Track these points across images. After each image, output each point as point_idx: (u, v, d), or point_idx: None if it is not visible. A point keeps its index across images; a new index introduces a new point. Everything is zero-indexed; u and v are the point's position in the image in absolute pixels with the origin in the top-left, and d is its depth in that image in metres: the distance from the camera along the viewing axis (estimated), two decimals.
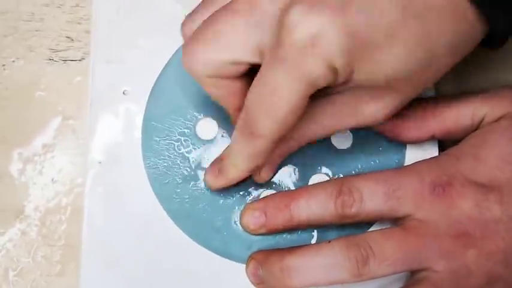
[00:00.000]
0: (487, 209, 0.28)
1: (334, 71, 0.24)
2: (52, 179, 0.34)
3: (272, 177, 0.32)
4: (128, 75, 0.33)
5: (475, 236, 0.28)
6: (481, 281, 0.28)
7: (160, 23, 0.33)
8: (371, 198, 0.29)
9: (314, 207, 0.29)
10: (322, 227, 0.31)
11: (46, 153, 0.34)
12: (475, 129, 0.30)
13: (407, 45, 0.25)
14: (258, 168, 0.30)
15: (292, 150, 0.31)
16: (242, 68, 0.27)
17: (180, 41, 0.32)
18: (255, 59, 0.26)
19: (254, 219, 0.31)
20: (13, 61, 0.34)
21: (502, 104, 0.30)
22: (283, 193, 0.31)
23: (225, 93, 0.28)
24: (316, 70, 0.24)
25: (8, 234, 0.33)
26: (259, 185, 0.32)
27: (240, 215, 0.31)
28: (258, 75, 0.26)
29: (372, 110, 0.28)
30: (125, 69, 0.33)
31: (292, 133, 0.29)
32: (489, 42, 0.27)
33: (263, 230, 0.31)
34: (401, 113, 0.30)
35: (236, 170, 0.29)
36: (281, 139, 0.27)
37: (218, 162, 0.31)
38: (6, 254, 0.33)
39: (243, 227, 0.31)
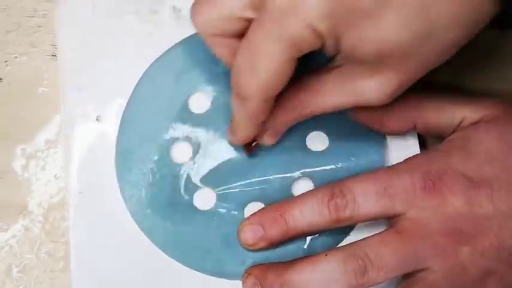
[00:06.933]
0: (479, 205, 0.28)
1: (318, 34, 0.25)
2: (55, 175, 0.33)
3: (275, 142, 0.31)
4: (100, 101, 0.32)
5: (468, 233, 0.27)
6: (476, 278, 0.28)
7: (127, 44, 0.33)
8: (364, 199, 0.28)
9: (308, 214, 0.29)
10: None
11: (49, 149, 0.34)
12: (453, 130, 0.30)
13: (401, 14, 0.24)
14: (262, 126, 0.29)
15: (297, 120, 0.30)
16: (241, 25, 0.27)
17: (148, 61, 0.32)
18: (251, 14, 0.26)
19: (253, 233, 0.30)
20: (16, 57, 0.34)
21: (480, 108, 0.30)
22: (276, 204, 0.30)
23: (228, 52, 0.28)
24: (297, 32, 0.24)
25: (11, 231, 0.33)
26: (244, 199, 0.32)
27: (238, 233, 0.31)
28: (245, 36, 0.26)
29: (372, 87, 0.27)
30: (96, 95, 0.32)
31: (295, 103, 0.29)
32: (504, 21, 0.26)
33: (262, 244, 0.30)
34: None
35: (241, 130, 0.29)
36: (269, 100, 0.27)
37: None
38: (10, 250, 0.33)
39: (242, 243, 0.31)
